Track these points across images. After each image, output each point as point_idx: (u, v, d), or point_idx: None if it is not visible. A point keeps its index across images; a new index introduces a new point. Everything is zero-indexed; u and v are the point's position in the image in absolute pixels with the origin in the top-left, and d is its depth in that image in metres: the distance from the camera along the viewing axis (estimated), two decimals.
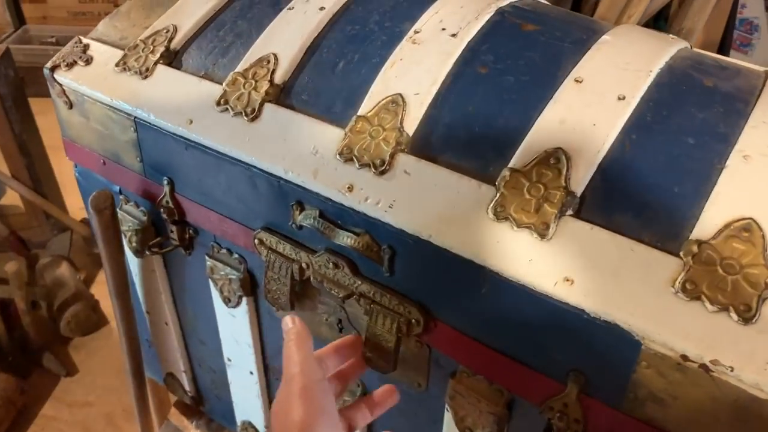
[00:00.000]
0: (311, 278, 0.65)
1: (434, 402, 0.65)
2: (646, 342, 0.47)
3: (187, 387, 0.98)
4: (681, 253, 0.47)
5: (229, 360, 0.85)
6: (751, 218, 0.48)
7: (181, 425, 1.02)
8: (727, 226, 0.48)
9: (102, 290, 1.96)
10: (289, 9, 0.70)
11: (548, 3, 0.72)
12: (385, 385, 0.60)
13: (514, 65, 0.59)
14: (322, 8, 0.69)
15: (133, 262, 0.85)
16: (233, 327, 0.79)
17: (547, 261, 0.50)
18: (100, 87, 0.72)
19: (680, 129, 0.54)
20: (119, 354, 0.98)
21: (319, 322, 0.69)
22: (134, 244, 0.80)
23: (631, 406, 0.50)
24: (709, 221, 0.48)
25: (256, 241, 0.67)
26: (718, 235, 0.47)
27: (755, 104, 0.55)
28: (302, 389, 0.51)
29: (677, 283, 0.47)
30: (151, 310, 0.91)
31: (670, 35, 0.69)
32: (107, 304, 1.83)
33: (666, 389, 0.48)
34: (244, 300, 0.75)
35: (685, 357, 0.45)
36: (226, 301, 0.76)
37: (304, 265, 0.65)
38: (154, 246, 0.77)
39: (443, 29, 0.63)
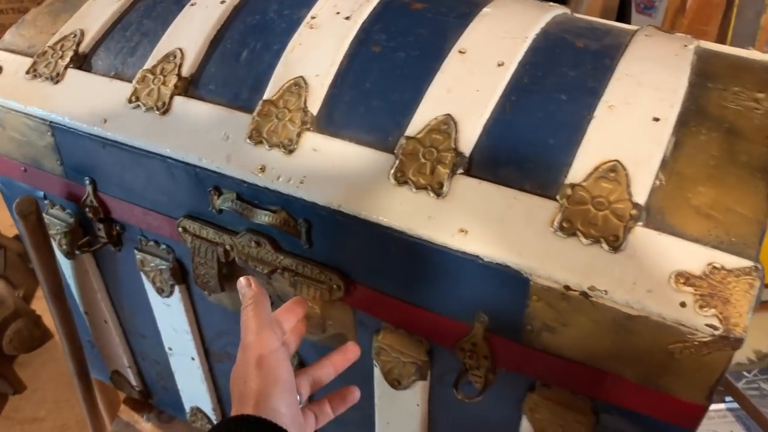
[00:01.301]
0: (236, 259, 0.68)
1: (364, 360, 0.69)
2: (533, 278, 0.53)
3: (133, 382, 1.00)
4: (557, 197, 0.53)
5: (170, 349, 0.88)
6: (616, 160, 0.54)
7: (132, 420, 1.04)
8: (596, 168, 0.54)
9: (43, 305, 1.93)
10: (192, 5, 0.73)
11: None
12: (347, 344, 0.61)
13: (405, 42, 0.64)
14: (223, 2, 0.72)
15: (65, 264, 0.87)
16: (170, 316, 0.82)
17: (443, 216, 0.55)
18: (12, 95, 0.74)
19: (554, 87, 0.59)
20: (67, 367, 0.99)
21: None
22: (64, 246, 0.82)
23: (529, 338, 0.56)
24: (581, 166, 0.54)
25: (180, 229, 0.70)
26: (589, 177, 0.53)
27: (620, 59, 0.62)
28: (258, 359, 0.52)
29: (555, 223, 0.52)
30: (89, 310, 0.93)
31: (549, 3, 0.75)
32: (50, 319, 1.82)
33: (556, 318, 0.54)
34: (177, 288, 0.78)
35: (567, 287, 0.51)
36: (160, 291, 0.79)
37: (228, 247, 0.68)
38: (84, 245, 0.79)
39: (338, 13, 0.67)
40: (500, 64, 0.61)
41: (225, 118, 0.65)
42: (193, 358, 0.86)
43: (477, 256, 0.54)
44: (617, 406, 0.56)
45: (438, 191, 0.56)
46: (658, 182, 0.53)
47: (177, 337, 0.85)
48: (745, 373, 1.11)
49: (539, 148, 0.56)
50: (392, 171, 0.58)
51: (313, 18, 0.67)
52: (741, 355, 1.17)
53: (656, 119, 0.56)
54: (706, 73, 0.62)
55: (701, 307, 0.48)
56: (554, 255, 0.52)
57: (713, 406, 1.11)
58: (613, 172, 0.53)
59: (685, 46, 0.65)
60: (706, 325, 0.47)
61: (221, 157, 0.63)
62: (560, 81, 0.60)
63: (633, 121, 0.56)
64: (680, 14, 1.15)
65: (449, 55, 0.62)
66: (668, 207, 0.52)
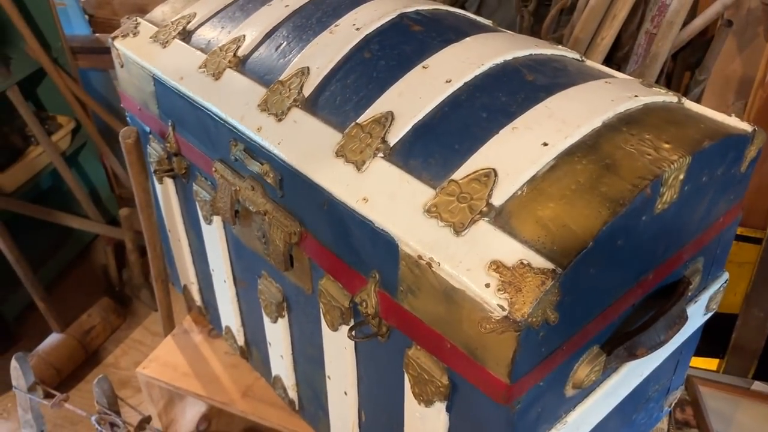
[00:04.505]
0: (240, 198, 0.88)
1: (316, 301, 0.86)
2: (401, 245, 0.66)
3: (195, 297, 1.25)
4: (437, 188, 0.66)
5: (213, 270, 1.10)
6: (493, 168, 0.65)
7: (189, 329, 1.29)
8: (475, 171, 0.65)
9: None
10: (269, 5, 0.95)
11: (463, 12, 0.91)
12: None
13: (390, 54, 0.80)
14: (287, 5, 0.93)
15: (157, 188, 1.13)
16: (211, 241, 1.05)
17: (357, 186, 0.70)
18: (137, 52, 1.01)
19: (481, 106, 0.71)
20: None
21: (253, 237, 0.93)
22: (155, 172, 1.08)
23: (402, 297, 0.69)
24: (466, 168, 0.66)
25: (214, 169, 0.92)
26: (466, 177, 0.65)
27: (554, 94, 0.72)
28: None
29: (426, 206, 0.65)
30: (171, 229, 1.19)
31: (558, 45, 0.86)
32: None
33: (415, 282, 0.66)
34: (215, 218, 1.00)
35: (420, 256, 0.64)
36: (205, 219, 1.02)
37: (237, 187, 0.89)
38: (162, 172, 1.05)
39: (353, 25, 0.84)
40: (448, 81, 0.74)
41: (250, 90, 0.85)
42: (224, 281, 1.08)
43: (371, 221, 0.68)
44: (456, 372, 0.66)
45: (359, 167, 0.71)
46: (519, 192, 0.63)
47: (216, 260, 1.07)
48: None
49: (445, 150, 0.69)
50: (337, 147, 0.74)
51: (336, 26, 0.86)
52: None
53: (545, 144, 0.66)
54: (632, 121, 0.70)
55: (499, 290, 0.58)
56: (416, 230, 0.65)
57: None
58: (486, 177, 0.65)
59: (636, 96, 0.73)
60: (498, 305, 0.58)
61: (238, 116, 0.84)
62: (489, 102, 0.72)
63: (525, 142, 0.66)
64: (761, 87, 1.13)
65: (415, 68, 0.76)
66: (517, 212, 0.62)
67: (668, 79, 1.85)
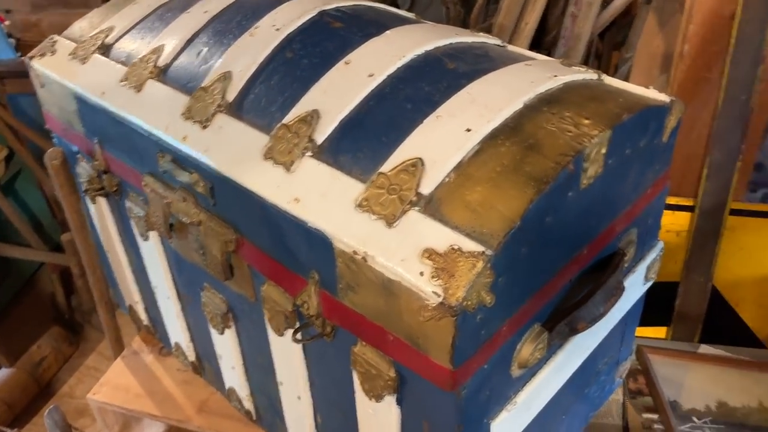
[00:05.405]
0: (173, 211, 0.87)
1: (260, 307, 0.85)
2: (335, 242, 0.65)
3: (142, 316, 1.22)
4: (367, 182, 0.66)
5: (155, 287, 1.08)
6: (419, 158, 0.65)
7: (139, 349, 1.26)
8: (403, 162, 0.66)
9: None
10: (187, 12, 0.94)
11: (383, 6, 0.91)
12: None
13: (312, 52, 0.79)
14: (206, 11, 0.91)
15: (90, 207, 1.10)
16: (151, 257, 1.03)
17: (287, 187, 0.70)
18: (56, 71, 0.98)
19: (405, 97, 0.72)
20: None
21: (191, 249, 0.91)
22: (87, 192, 1.05)
23: (342, 294, 0.68)
24: (394, 159, 0.66)
25: (144, 183, 0.90)
26: (395, 169, 0.65)
27: (475, 81, 0.72)
28: None
29: (358, 200, 0.65)
30: (109, 249, 1.16)
31: (479, 33, 0.86)
32: None
33: (353, 278, 0.66)
34: (151, 234, 0.98)
35: (355, 252, 0.64)
36: (142, 236, 1.00)
37: (169, 200, 0.87)
38: (93, 191, 1.02)
39: (273, 25, 0.84)
40: (370, 75, 0.74)
41: (174, 99, 0.83)
42: (168, 297, 1.06)
43: (305, 222, 0.68)
44: (402, 364, 0.67)
45: (288, 167, 0.70)
46: (447, 179, 0.64)
47: (157, 277, 1.05)
48: (694, 419, 1.11)
49: (372, 143, 0.69)
50: (264, 149, 0.73)
51: (256, 28, 0.85)
52: (700, 403, 1.16)
53: (468, 130, 0.66)
54: (553, 100, 0.71)
55: (433, 277, 0.58)
56: (350, 225, 0.64)
57: None
58: (414, 166, 0.65)
59: (555, 76, 0.74)
60: (433, 292, 0.58)
61: (162, 127, 0.82)
62: (413, 93, 0.72)
63: (449, 130, 0.67)
64: (680, 60, 1.17)
65: (337, 64, 0.76)
66: (446, 199, 0.63)
67: (599, 60, 1.89)
